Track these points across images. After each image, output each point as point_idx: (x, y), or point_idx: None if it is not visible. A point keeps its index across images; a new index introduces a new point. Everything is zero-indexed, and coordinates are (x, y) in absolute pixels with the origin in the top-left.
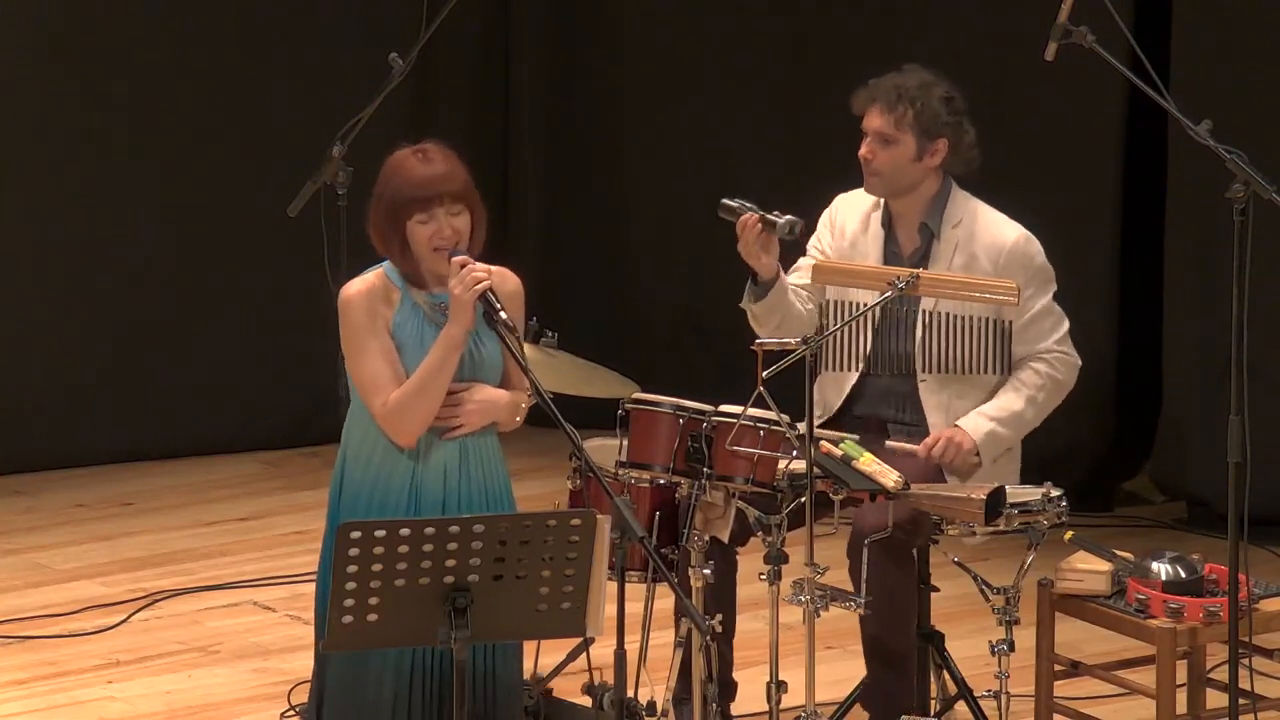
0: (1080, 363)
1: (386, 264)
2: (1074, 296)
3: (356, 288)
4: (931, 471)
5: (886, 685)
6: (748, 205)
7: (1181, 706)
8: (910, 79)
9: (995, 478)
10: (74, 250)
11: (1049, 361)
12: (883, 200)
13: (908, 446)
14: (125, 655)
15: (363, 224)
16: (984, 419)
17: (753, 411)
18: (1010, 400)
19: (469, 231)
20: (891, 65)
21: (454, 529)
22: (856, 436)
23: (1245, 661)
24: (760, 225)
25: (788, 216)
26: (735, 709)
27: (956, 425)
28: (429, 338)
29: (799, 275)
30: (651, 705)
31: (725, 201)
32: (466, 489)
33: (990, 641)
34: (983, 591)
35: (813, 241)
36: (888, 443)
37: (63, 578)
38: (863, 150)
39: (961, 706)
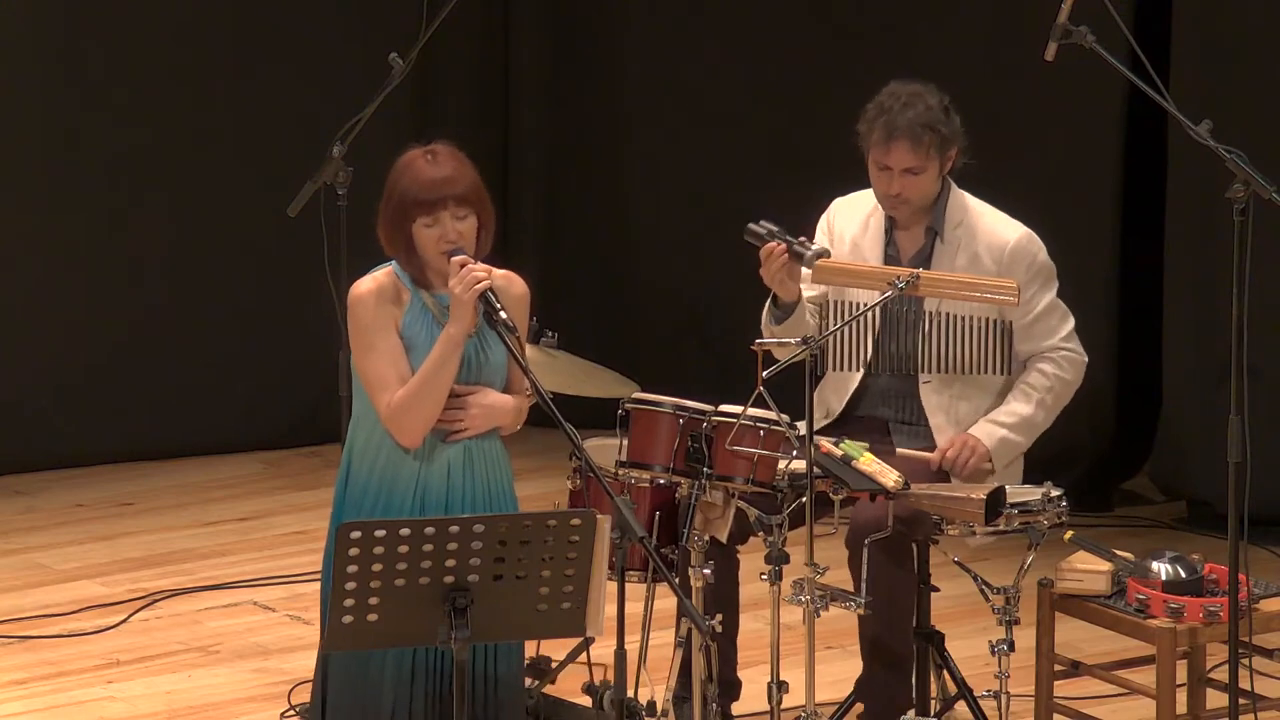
0: (1087, 359)
1: (396, 263)
2: (1074, 296)
3: (366, 286)
4: (937, 475)
5: (885, 684)
6: (775, 231)
7: (1181, 706)
8: (911, 104)
9: (1000, 478)
10: (74, 250)
11: (1056, 361)
12: None
13: (921, 455)
14: (125, 655)
15: (363, 224)
16: (995, 426)
17: (753, 411)
18: (1020, 406)
19: (475, 234)
20: (892, 64)
21: (454, 529)
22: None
23: (1245, 661)
24: (786, 255)
25: (815, 246)
26: (736, 709)
27: (968, 433)
28: (437, 338)
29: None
30: (651, 705)
31: (751, 227)
32: (471, 491)
33: (990, 641)
34: (983, 591)
35: None
36: (898, 450)
37: (62, 578)
38: (894, 189)
39: (961, 706)
